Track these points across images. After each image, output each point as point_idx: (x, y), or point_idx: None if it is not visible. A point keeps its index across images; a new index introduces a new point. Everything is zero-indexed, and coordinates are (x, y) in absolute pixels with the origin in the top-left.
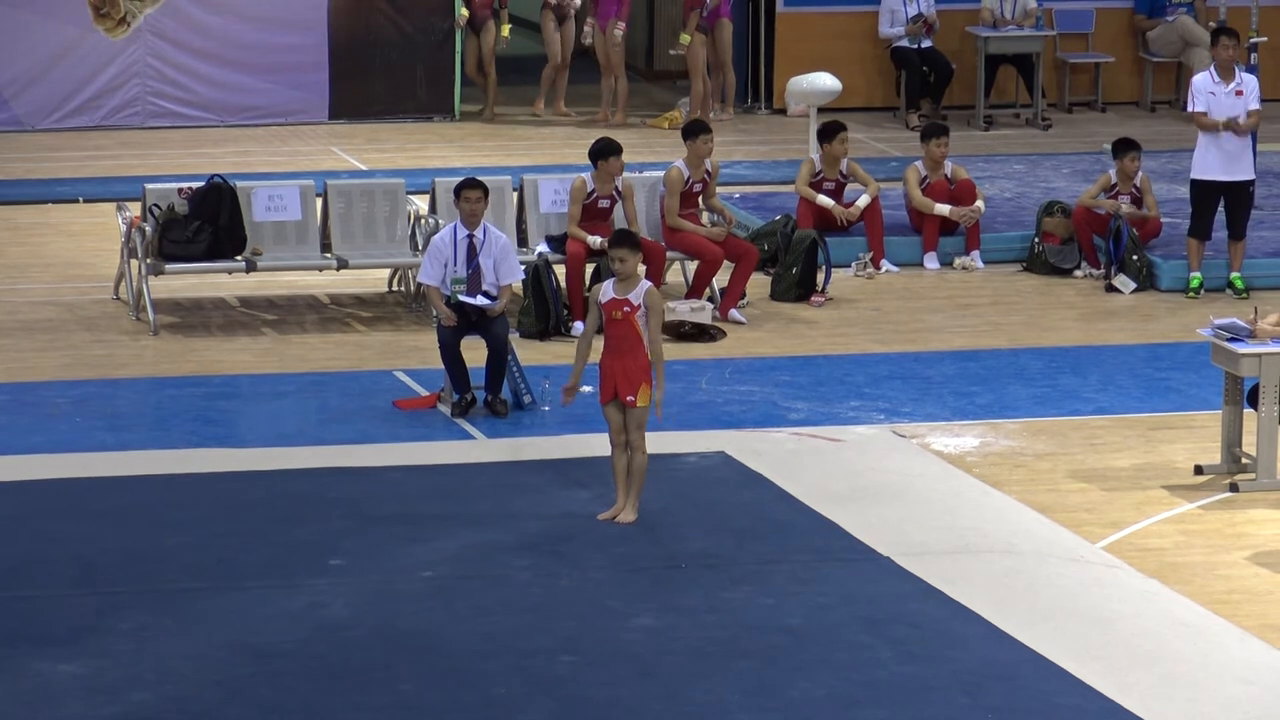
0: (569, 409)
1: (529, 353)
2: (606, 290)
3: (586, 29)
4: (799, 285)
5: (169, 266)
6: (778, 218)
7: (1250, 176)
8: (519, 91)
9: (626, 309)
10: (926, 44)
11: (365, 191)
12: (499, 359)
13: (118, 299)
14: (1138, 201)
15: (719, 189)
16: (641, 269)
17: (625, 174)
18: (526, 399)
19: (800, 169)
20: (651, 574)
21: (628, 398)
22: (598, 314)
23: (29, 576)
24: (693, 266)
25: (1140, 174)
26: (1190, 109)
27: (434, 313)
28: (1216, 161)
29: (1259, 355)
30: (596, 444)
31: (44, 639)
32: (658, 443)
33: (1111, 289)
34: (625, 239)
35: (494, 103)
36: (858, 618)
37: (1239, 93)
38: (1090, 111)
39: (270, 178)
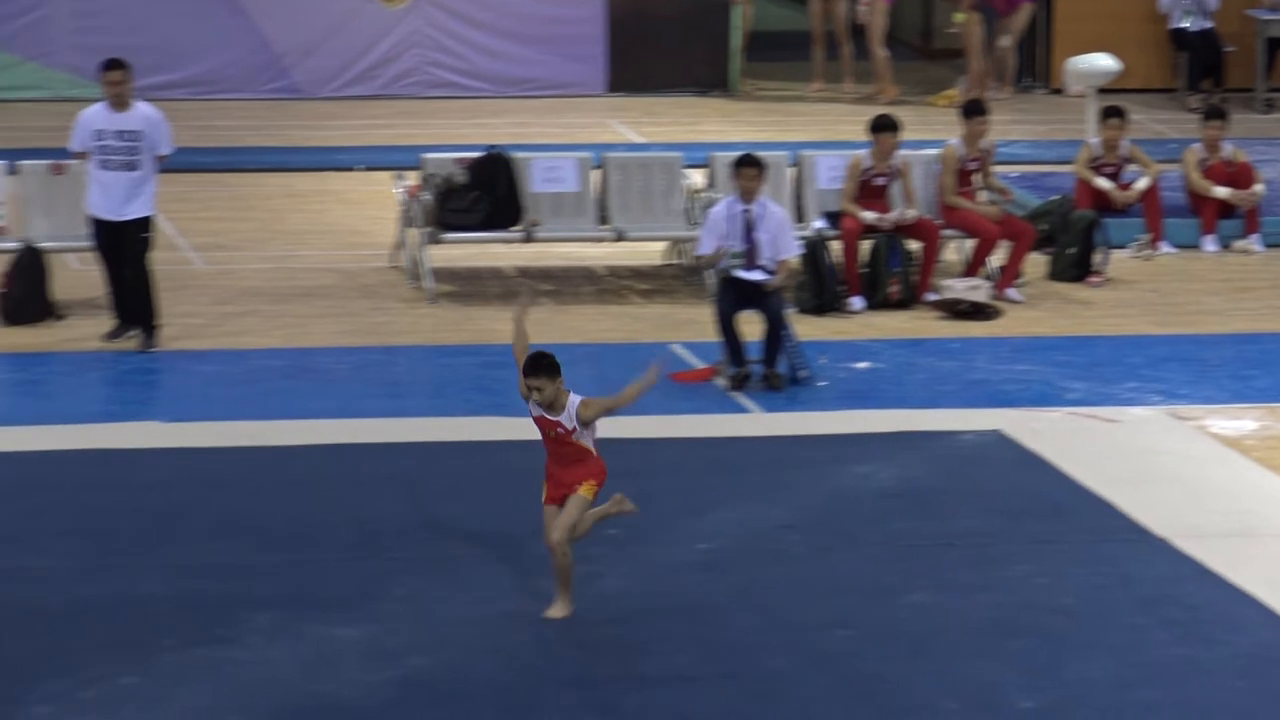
0: (848, 384)
1: (805, 327)
2: (535, 407)
3: (861, 5)
4: (1076, 265)
5: (446, 235)
6: (1055, 198)
7: None
8: (798, 68)
9: (560, 430)
10: (1206, 25)
11: (642, 165)
12: (776, 333)
13: (395, 267)
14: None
15: (994, 168)
16: (570, 397)
17: (902, 151)
18: (803, 374)
19: (1080, 152)
20: (925, 551)
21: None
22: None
23: (311, 539)
24: (969, 244)
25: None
26: None
27: (711, 286)
28: None
29: None
30: (875, 420)
31: (324, 602)
32: (934, 420)
33: None
34: (540, 366)
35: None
36: (1133, 599)
37: None
38: None
39: (547, 149)
